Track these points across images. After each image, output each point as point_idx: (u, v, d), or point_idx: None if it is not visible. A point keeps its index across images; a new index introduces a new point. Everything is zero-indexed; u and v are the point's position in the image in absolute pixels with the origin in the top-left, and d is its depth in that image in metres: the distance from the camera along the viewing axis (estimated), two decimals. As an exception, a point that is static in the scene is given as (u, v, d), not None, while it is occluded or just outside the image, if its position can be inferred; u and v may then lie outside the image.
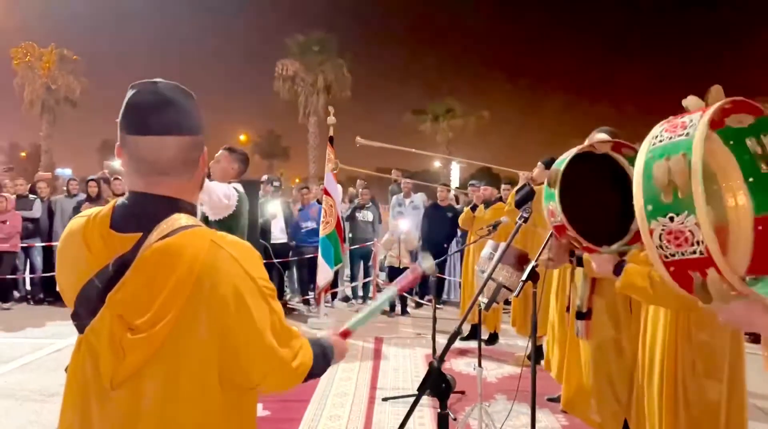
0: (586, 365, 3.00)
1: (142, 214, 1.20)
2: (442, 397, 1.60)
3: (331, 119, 7.38)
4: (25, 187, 9.17)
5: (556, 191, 2.27)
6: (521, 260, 2.89)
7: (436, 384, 1.58)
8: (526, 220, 2.67)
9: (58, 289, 1.35)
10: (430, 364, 1.64)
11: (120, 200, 1.24)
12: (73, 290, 1.20)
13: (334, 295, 9.13)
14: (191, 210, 1.27)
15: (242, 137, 46.52)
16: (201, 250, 1.14)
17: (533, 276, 2.57)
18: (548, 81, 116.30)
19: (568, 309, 3.11)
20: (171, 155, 1.22)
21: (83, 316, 1.18)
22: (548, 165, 5.96)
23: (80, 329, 1.20)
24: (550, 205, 2.33)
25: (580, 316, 2.88)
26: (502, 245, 4.58)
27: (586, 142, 2.69)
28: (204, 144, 1.29)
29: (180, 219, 1.19)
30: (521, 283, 2.60)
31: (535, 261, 2.59)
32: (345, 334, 1.57)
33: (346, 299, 9.40)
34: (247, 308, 1.16)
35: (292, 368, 1.26)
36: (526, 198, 5.51)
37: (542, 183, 6.09)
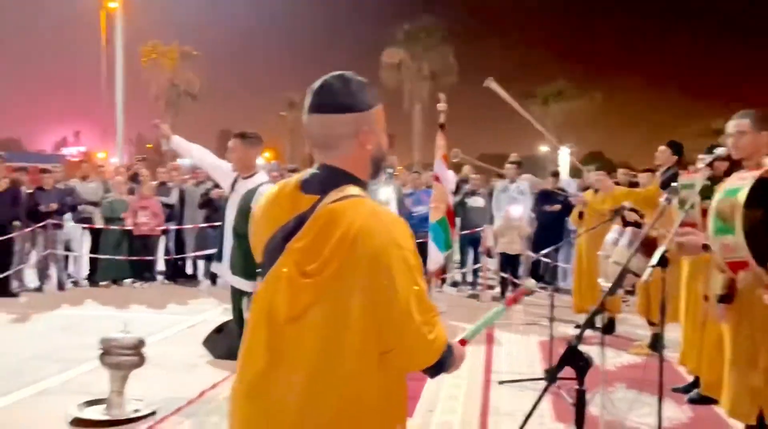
0: (727, 350, 2.91)
1: (322, 180, 1.43)
2: (580, 373, 1.66)
3: (442, 106, 7.44)
4: (167, 174, 10.04)
5: (738, 226, 2.18)
6: (649, 245, 2.85)
7: (576, 360, 1.64)
8: (669, 201, 2.62)
9: (252, 248, 1.60)
10: (569, 343, 1.71)
11: (314, 167, 1.49)
12: (263, 243, 1.47)
13: (443, 281, 9.24)
14: (360, 184, 1.46)
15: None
16: (360, 216, 1.34)
17: (662, 261, 2.52)
18: (665, 62, 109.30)
19: (706, 298, 3.02)
20: (326, 131, 1.46)
21: (267, 265, 1.44)
22: (675, 149, 5.70)
23: (262, 277, 1.46)
24: (725, 239, 2.24)
25: (721, 299, 2.78)
26: (629, 231, 4.51)
27: (729, 128, 2.60)
28: (365, 122, 1.46)
29: (349, 189, 1.41)
30: (650, 269, 2.56)
31: (665, 246, 2.54)
32: (462, 344, 1.66)
33: (455, 285, 9.49)
34: (390, 270, 1.32)
35: (428, 340, 1.37)
36: (671, 179, 5.30)
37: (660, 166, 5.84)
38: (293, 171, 10.05)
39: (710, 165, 3.16)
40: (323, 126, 1.45)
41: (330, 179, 1.43)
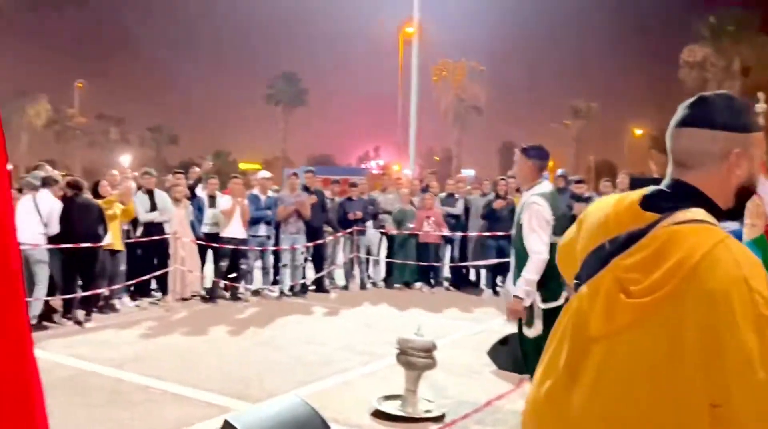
0: None
1: (670, 198, 1.32)
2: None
3: (761, 107, 6.37)
4: (454, 185, 10.59)
5: None
6: None
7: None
8: None
9: (556, 261, 1.54)
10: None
11: (663, 184, 1.39)
12: (584, 252, 1.39)
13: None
14: (715, 211, 1.30)
15: (639, 132, 44.20)
16: (706, 244, 1.18)
17: None
18: None
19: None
20: (692, 146, 1.34)
21: (584, 276, 1.36)
22: None
23: (576, 288, 1.38)
24: None
25: None
26: None
27: None
28: (739, 144, 1.31)
29: (699, 213, 1.26)
30: None
31: None
32: None
33: None
34: (733, 311, 1.11)
35: None
36: None
37: None
38: (579, 182, 9.66)
39: None
40: (691, 139, 1.34)
41: (680, 198, 1.30)
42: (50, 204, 6.88)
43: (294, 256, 9.24)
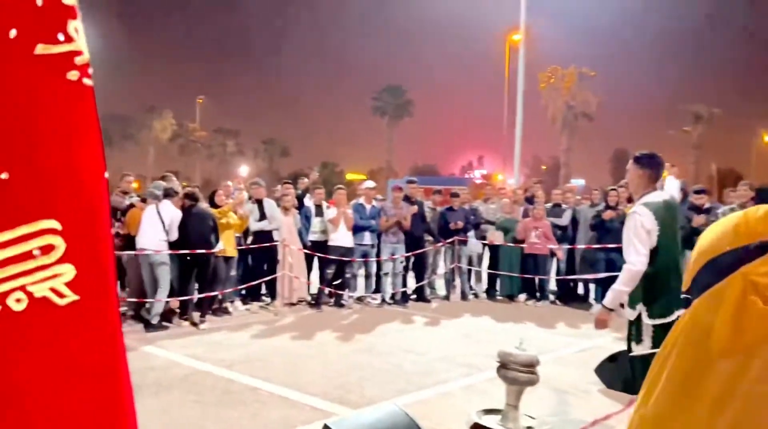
0: None
1: None
2: None
3: None
4: (561, 195, 10.25)
5: None
6: None
7: None
8: None
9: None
10: None
11: None
12: (698, 265, 1.27)
13: None
14: None
15: (769, 139, 40.75)
16: None
17: None
18: None
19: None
20: None
21: (697, 290, 1.24)
22: None
23: (687, 304, 1.26)
24: None
25: None
26: None
27: None
28: None
29: None
30: None
31: None
32: None
33: None
34: None
35: None
36: None
37: None
38: (699, 193, 9.03)
39: None
40: None
41: None
42: (171, 213, 7.40)
43: (394, 265, 9.34)
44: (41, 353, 1.24)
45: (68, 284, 1.25)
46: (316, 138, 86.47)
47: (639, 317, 3.85)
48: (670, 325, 3.75)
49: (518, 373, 4.01)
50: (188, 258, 7.55)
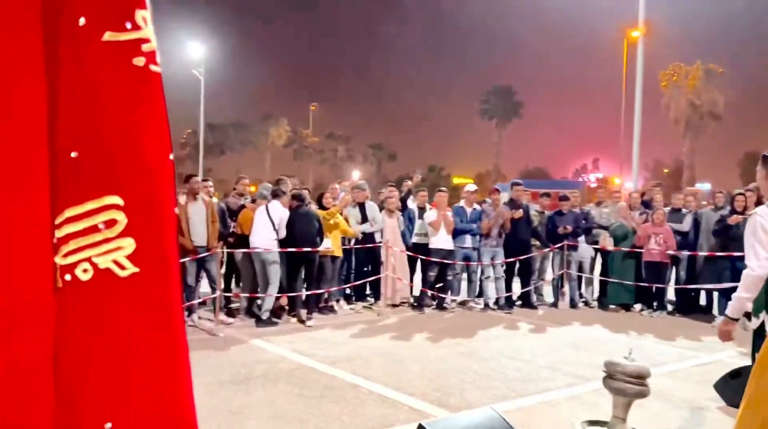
0: None
1: None
2: None
3: None
4: (681, 200, 9.59)
5: None
6: None
7: None
8: None
9: None
10: None
11: None
12: None
13: None
14: None
15: None
16: None
17: None
18: None
19: None
20: None
21: None
22: None
23: None
24: None
25: None
26: None
27: None
28: None
29: None
30: None
31: None
32: None
33: None
34: None
35: None
36: None
37: None
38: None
39: None
40: None
41: None
42: (279, 212, 7.72)
43: (495, 270, 9.17)
44: (104, 321, 1.33)
45: (129, 257, 1.33)
46: (423, 142, 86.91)
47: (762, 327, 3.53)
48: None
49: (626, 384, 3.79)
50: (295, 256, 7.83)
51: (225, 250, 7.99)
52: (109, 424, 1.32)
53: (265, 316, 7.57)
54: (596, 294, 9.93)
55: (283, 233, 7.71)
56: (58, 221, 1.30)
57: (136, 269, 1.34)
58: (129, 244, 1.33)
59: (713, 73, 37.13)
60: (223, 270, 8.40)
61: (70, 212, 1.30)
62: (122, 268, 1.33)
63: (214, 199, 8.22)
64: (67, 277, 1.30)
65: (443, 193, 9.25)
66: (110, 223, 1.32)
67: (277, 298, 8.06)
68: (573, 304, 9.54)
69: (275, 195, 7.87)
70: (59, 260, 1.30)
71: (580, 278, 9.78)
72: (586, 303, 9.76)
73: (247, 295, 8.01)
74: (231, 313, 8.16)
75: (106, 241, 1.32)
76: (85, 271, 1.31)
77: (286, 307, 8.14)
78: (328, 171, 54.33)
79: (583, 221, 9.68)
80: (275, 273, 7.63)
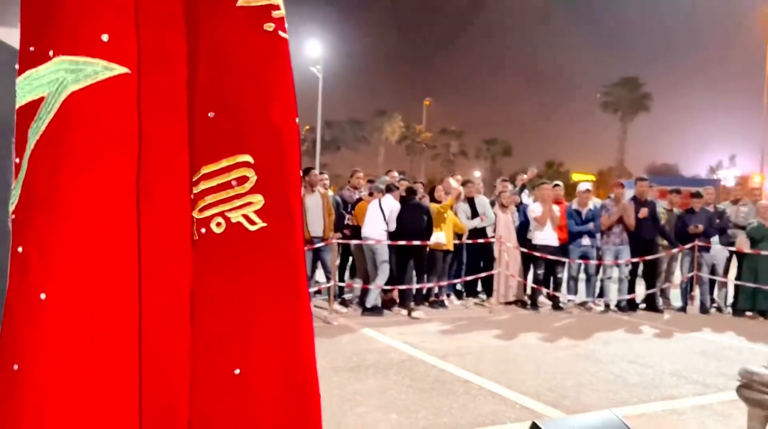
0: None
1: None
2: None
3: None
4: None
5: None
6: None
7: None
8: None
9: None
10: None
11: None
12: None
13: None
14: None
15: None
16: None
17: None
18: None
19: None
20: None
21: None
22: None
23: None
24: None
25: None
26: None
27: None
28: None
29: None
30: None
31: None
32: None
33: None
34: None
35: None
36: None
37: None
38: None
39: None
40: None
41: None
42: (391, 205, 7.82)
43: (620, 270, 8.68)
44: (235, 272, 1.40)
45: (257, 212, 1.40)
46: (539, 137, 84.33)
47: None
48: None
49: (765, 395, 3.44)
50: (405, 248, 7.87)
51: (340, 241, 8.21)
52: (237, 370, 1.39)
53: (369, 304, 7.68)
54: (731, 299, 9.14)
55: (393, 226, 7.79)
56: (195, 178, 1.38)
57: (264, 224, 1.41)
58: (258, 200, 1.40)
59: None
60: (338, 261, 8.63)
61: (206, 169, 1.39)
62: (252, 222, 1.40)
63: (330, 192, 8.45)
64: (203, 230, 1.38)
65: (547, 186, 8.85)
66: (242, 180, 1.39)
67: (389, 291, 8.15)
68: (704, 310, 8.84)
69: (389, 189, 7.96)
70: (196, 214, 1.39)
71: (712, 282, 9.04)
72: (719, 309, 9.01)
73: (360, 285, 8.16)
74: (344, 302, 8.37)
75: (238, 196, 1.39)
76: (218, 224, 1.39)
77: (397, 300, 8.22)
78: (440, 166, 54.33)
79: (717, 220, 8.93)
80: (384, 264, 7.72)
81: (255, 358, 1.41)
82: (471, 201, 8.89)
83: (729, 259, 9.18)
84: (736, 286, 8.94)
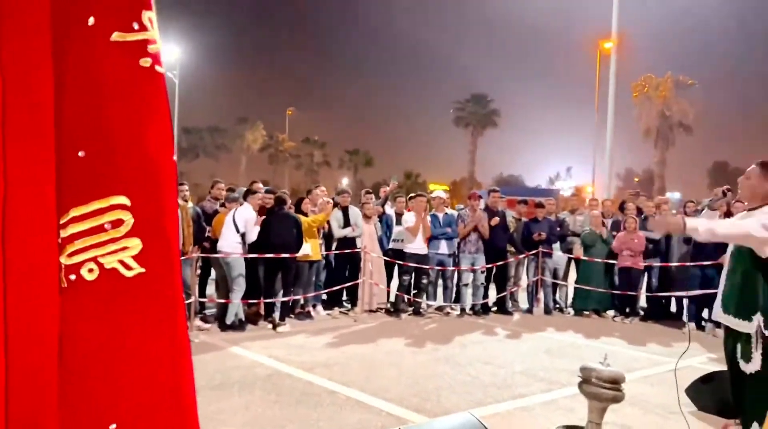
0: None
1: None
2: None
3: None
4: (653, 208, 9.73)
5: None
6: None
7: None
8: None
9: None
10: None
11: None
12: None
13: None
14: None
15: None
16: None
17: None
18: None
19: None
20: None
21: None
22: None
23: None
24: None
25: None
26: None
27: None
28: None
29: None
30: None
31: None
32: None
33: None
34: None
35: None
36: None
37: None
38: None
39: None
40: None
41: None
42: (245, 215, 7.62)
43: (475, 276, 9.22)
44: (109, 321, 1.32)
45: (135, 257, 1.34)
46: (400, 148, 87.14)
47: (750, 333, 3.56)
48: None
49: (601, 389, 3.84)
50: (271, 260, 7.76)
51: (200, 255, 7.91)
52: (113, 425, 1.31)
53: (229, 321, 7.49)
54: (570, 300, 10.04)
55: (252, 237, 7.64)
56: (63, 221, 1.29)
57: (142, 269, 1.34)
58: (135, 245, 1.34)
59: (683, 85, 37.97)
60: (198, 275, 8.31)
61: (75, 212, 1.29)
62: (128, 268, 1.33)
63: (189, 204, 8.13)
64: (72, 276, 1.29)
65: (423, 197, 9.27)
66: (117, 223, 1.31)
67: (253, 304, 7.99)
68: (547, 310, 9.63)
69: (245, 196, 7.82)
70: (64, 260, 1.29)
71: (555, 285, 9.88)
72: (561, 309, 9.87)
73: (223, 300, 7.92)
74: (206, 318, 8.07)
75: (113, 241, 1.31)
76: (90, 270, 1.30)
77: (262, 313, 8.08)
78: (304, 176, 54.15)
79: (558, 229, 9.80)
80: (240, 278, 7.54)
81: (132, 412, 1.33)
82: (345, 210, 8.98)
83: (568, 264, 10.10)
84: (575, 288, 9.84)
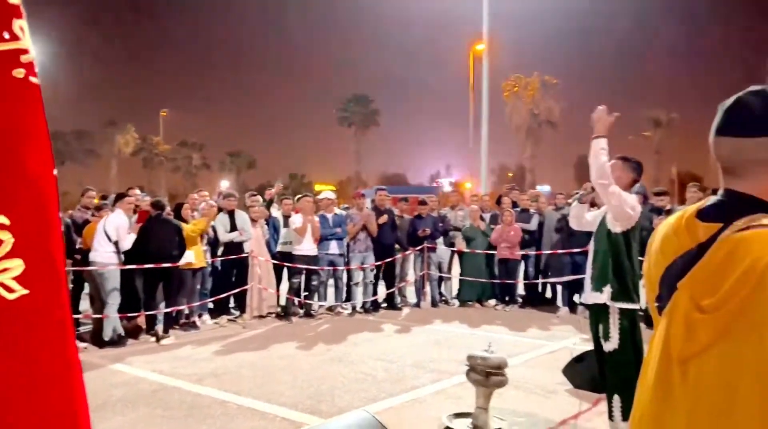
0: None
1: (726, 208, 1.25)
2: None
3: None
4: (527, 201, 10.31)
5: None
6: None
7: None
8: None
9: (643, 282, 1.49)
10: None
11: (717, 195, 1.32)
12: (658, 273, 1.33)
13: None
14: None
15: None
16: None
17: None
18: None
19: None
20: (735, 156, 1.26)
21: (664, 297, 1.29)
22: None
23: (659, 311, 1.31)
24: None
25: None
26: None
27: None
28: None
29: (762, 219, 1.17)
30: None
31: None
32: None
33: None
34: None
35: None
36: None
37: None
38: (660, 194, 9.22)
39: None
40: (732, 150, 1.26)
41: (736, 207, 1.23)
42: (116, 222, 7.21)
43: (365, 274, 9.33)
44: None
45: (17, 279, 1.25)
46: (283, 150, 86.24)
47: (605, 310, 3.89)
48: (633, 314, 3.84)
49: (487, 375, 4.04)
50: (152, 269, 7.40)
51: (71, 269, 7.36)
52: None
53: (106, 337, 7.07)
54: (455, 292, 10.44)
55: (126, 245, 7.24)
56: None
57: (26, 291, 1.25)
58: (17, 265, 1.24)
59: (549, 84, 40.65)
60: (73, 289, 7.73)
61: None
62: (10, 291, 1.23)
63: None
64: None
65: (309, 198, 9.23)
66: None
67: (133, 318, 7.57)
68: (434, 303, 9.95)
69: (115, 202, 7.44)
70: None
71: (440, 278, 10.23)
72: (446, 301, 10.23)
73: (99, 315, 7.43)
74: (81, 336, 7.53)
75: None
76: None
77: (143, 326, 7.68)
78: (182, 179, 52.00)
79: (440, 224, 10.14)
80: (114, 292, 7.13)
81: None
82: (231, 214, 8.71)
83: (451, 257, 10.49)
84: (460, 280, 10.25)
